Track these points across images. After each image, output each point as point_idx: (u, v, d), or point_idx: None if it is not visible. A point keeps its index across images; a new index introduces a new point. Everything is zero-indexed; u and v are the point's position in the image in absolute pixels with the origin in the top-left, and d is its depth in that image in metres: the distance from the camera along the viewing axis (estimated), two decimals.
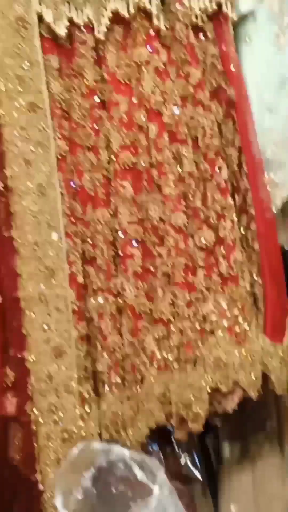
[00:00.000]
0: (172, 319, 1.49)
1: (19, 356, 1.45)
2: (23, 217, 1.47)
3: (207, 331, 1.49)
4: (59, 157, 1.51)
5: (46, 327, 1.46)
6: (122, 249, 1.52)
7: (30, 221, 1.47)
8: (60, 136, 1.51)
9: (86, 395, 1.47)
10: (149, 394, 1.48)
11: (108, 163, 1.54)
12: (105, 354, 1.50)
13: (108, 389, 1.49)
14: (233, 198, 1.55)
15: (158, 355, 1.50)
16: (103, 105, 1.55)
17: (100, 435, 1.46)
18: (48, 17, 1.50)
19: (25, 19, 1.48)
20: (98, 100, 1.55)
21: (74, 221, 1.51)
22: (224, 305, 1.50)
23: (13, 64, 1.47)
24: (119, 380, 1.50)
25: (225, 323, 1.50)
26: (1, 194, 1.48)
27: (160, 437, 1.61)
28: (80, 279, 1.50)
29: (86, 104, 1.54)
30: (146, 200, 1.53)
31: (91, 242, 1.53)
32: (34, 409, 1.42)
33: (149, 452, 1.62)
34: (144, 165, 1.53)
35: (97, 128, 1.54)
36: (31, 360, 1.44)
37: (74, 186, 1.52)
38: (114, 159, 1.53)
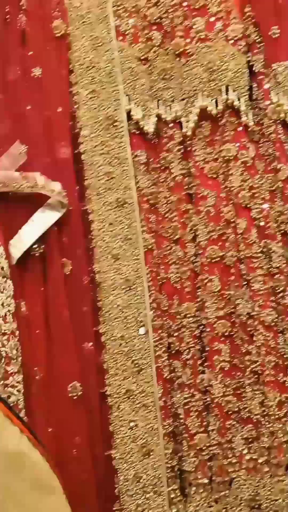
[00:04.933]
0: (262, 419, 1.58)
1: (106, 454, 1.58)
2: (111, 311, 1.62)
3: None
4: (146, 250, 1.65)
5: (133, 425, 1.58)
6: (209, 344, 1.63)
7: (117, 316, 1.62)
8: (147, 230, 1.65)
9: (173, 496, 1.57)
10: (238, 498, 1.57)
11: (195, 256, 1.68)
12: (191, 453, 1.60)
13: (195, 490, 1.59)
14: None
15: (247, 457, 1.59)
16: (190, 198, 1.71)
17: None
18: (137, 114, 1.66)
19: (114, 118, 1.65)
20: (185, 194, 1.71)
21: (160, 314, 1.64)
22: None
23: (102, 162, 1.64)
24: (206, 481, 1.59)
25: None
26: (88, 288, 1.64)
27: None
28: (166, 374, 1.62)
29: (173, 198, 1.69)
30: (234, 295, 1.64)
31: (177, 336, 1.65)
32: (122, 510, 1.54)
33: None
34: (232, 259, 1.66)
35: (184, 221, 1.69)
36: (118, 459, 1.57)
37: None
38: (201, 252, 1.67)
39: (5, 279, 1.45)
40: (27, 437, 1.32)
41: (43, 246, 1.59)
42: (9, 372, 1.42)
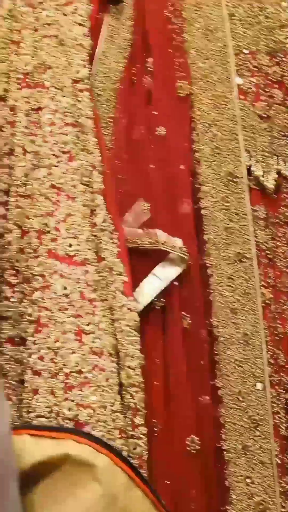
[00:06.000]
0: None
1: (222, 509, 1.63)
2: (227, 366, 1.68)
3: None
4: (263, 305, 1.72)
5: (249, 481, 1.63)
6: None
7: (234, 371, 1.68)
8: (265, 284, 1.72)
9: None
10: None
11: None
12: None
13: None
14: None
15: None
16: None
17: None
18: (258, 171, 1.74)
19: (235, 174, 1.74)
20: None
21: (277, 370, 1.69)
22: None
23: (222, 218, 1.73)
24: None
25: None
26: (206, 342, 1.71)
27: None
28: (283, 431, 1.66)
29: None
30: None
31: None
32: None
33: None
34: None
35: None
36: None
37: None
38: None
39: (136, 332, 1.55)
40: (150, 499, 1.39)
41: (163, 299, 1.68)
42: (135, 424, 1.50)
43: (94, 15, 1.69)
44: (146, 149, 1.71)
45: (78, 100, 1.61)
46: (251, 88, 1.76)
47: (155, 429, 1.60)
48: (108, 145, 1.70)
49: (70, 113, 1.59)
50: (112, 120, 1.72)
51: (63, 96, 1.59)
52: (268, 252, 1.75)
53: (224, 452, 1.65)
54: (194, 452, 1.61)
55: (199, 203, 1.73)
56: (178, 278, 1.67)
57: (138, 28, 1.75)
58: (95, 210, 1.59)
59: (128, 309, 1.56)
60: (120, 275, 1.58)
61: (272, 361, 1.69)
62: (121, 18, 1.74)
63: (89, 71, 1.65)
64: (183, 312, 1.68)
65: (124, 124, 1.72)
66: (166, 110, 1.72)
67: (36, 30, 1.62)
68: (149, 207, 1.68)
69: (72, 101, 1.60)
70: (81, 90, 1.61)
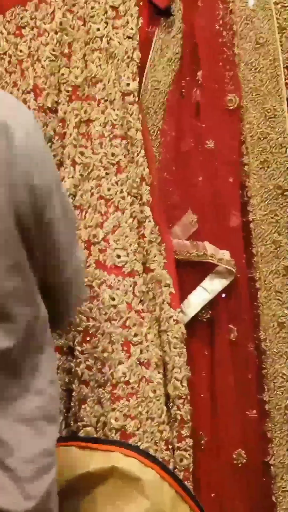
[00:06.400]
0: None
1: None
2: (275, 380, 1.69)
3: None
4: None
5: None
6: None
7: (282, 385, 1.68)
8: None
9: None
10: None
11: None
12: None
13: None
14: None
15: None
16: None
17: None
18: None
19: (284, 188, 1.74)
20: None
21: None
22: None
23: (270, 231, 1.74)
24: None
25: None
26: (253, 356, 1.72)
27: None
28: None
29: None
30: None
31: None
32: None
33: None
34: None
35: None
36: None
37: None
38: None
39: (183, 343, 1.56)
40: None
41: (210, 311, 1.69)
42: (182, 436, 1.52)
43: (143, 28, 1.71)
44: (195, 161, 1.72)
45: (128, 113, 1.63)
46: None
47: (201, 441, 1.61)
48: (156, 157, 1.72)
49: (120, 125, 1.62)
50: (160, 133, 1.74)
51: (113, 109, 1.61)
52: None
53: (271, 467, 1.65)
54: (240, 465, 1.61)
55: (248, 216, 1.74)
56: (225, 291, 1.68)
57: (188, 41, 1.76)
58: (143, 222, 1.61)
59: (175, 321, 1.58)
60: (167, 286, 1.60)
61: None
62: (171, 31, 1.76)
63: (138, 84, 1.67)
64: (230, 325, 1.69)
65: (172, 136, 1.74)
66: (215, 123, 1.73)
67: (86, 43, 1.65)
68: (197, 219, 1.70)
69: (121, 114, 1.62)
70: (130, 103, 1.63)
